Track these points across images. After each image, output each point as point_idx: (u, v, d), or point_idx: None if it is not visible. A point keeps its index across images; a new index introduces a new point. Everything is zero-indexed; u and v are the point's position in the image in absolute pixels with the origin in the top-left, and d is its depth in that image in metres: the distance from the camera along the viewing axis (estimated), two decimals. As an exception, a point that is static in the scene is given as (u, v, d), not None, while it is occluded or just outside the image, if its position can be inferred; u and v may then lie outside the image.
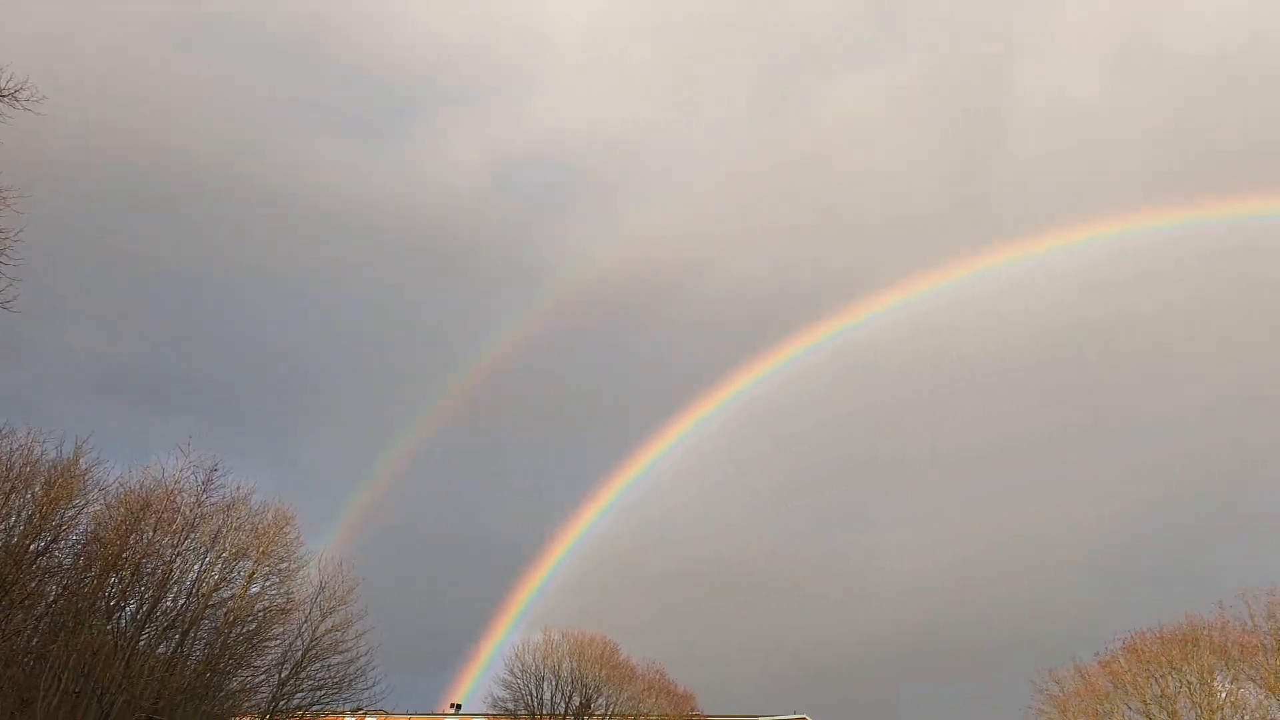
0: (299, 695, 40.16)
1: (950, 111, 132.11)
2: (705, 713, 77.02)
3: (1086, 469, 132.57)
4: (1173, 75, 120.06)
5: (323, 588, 41.82)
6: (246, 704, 38.92)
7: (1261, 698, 46.73)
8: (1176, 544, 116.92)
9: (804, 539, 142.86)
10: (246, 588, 38.04)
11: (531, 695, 72.39)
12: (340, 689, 40.88)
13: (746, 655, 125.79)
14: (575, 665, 72.49)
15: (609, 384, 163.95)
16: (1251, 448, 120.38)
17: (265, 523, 39.03)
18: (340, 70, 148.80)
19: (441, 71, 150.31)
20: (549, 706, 72.37)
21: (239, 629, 37.42)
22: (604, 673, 71.92)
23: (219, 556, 37.27)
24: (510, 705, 72.59)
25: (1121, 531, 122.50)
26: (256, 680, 39.08)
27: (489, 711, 78.88)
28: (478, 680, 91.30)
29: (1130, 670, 50.31)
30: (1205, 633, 48.79)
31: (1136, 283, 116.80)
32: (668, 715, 72.00)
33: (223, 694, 37.11)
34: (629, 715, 72.50)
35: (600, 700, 72.39)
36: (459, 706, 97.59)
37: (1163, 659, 49.06)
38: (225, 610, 37.00)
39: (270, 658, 39.52)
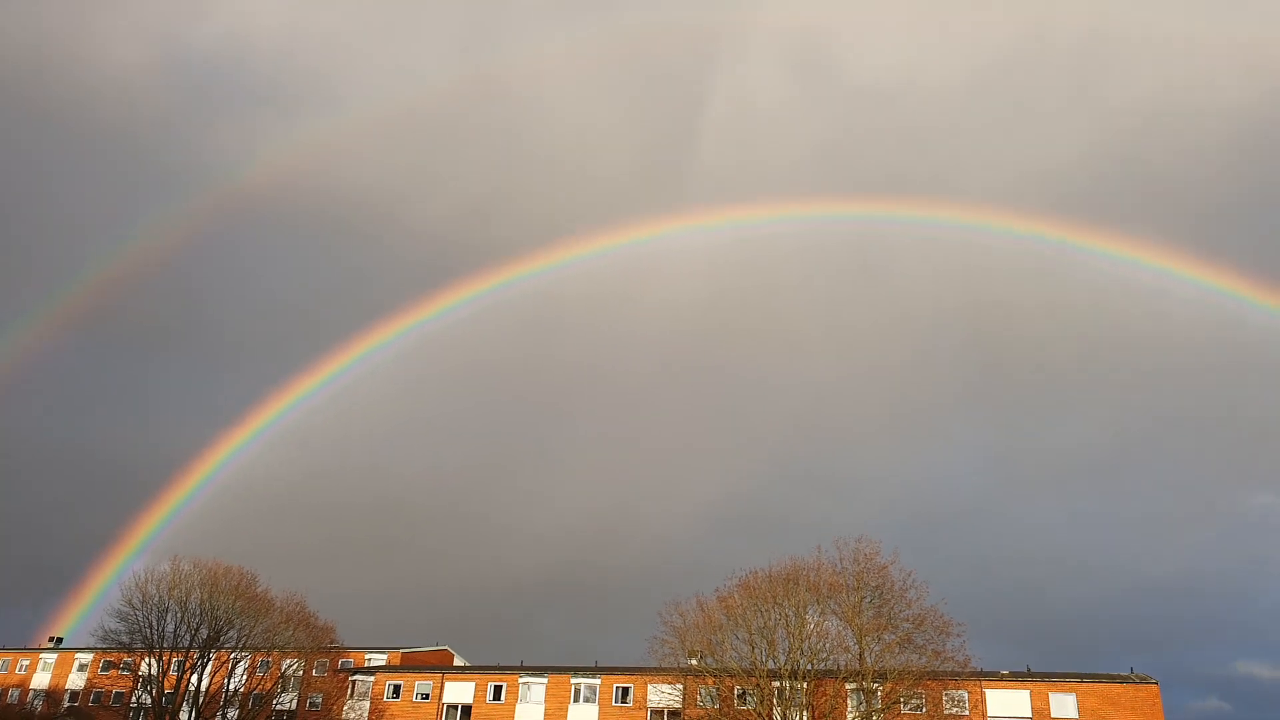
0: None
1: (655, 78, 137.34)
2: (345, 645, 75.55)
3: (712, 436, 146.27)
4: (839, 96, 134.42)
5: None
6: None
7: (840, 628, 55.07)
8: (778, 501, 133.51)
9: (463, 477, 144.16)
10: None
11: (151, 628, 66.65)
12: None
13: (394, 589, 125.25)
14: (206, 596, 67.78)
15: (271, 301, 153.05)
16: (845, 424, 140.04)
17: None
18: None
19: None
20: (171, 640, 67.08)
21: None
22: (238, 604, 67.98)
23: None
24: (125, 639, 66.29)
25: (736, 490, 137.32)
26: None
27: (99, 645, 71.40)
28: (88, 612, 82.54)
29: (742, 605, 56.62)
30: (805, 573, 56.26)
31: (779, 267, 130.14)
32: (305, 648, 69.69)
33: None
34: (263, 648, 69.17)
35: (231, 633, 68.38)
36: (59, 640, 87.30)
37: (768, 595, 55.86)
38: None
39: None
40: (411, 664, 75.25)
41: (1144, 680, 54.92)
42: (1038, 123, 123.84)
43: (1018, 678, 57.68)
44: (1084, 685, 55.47)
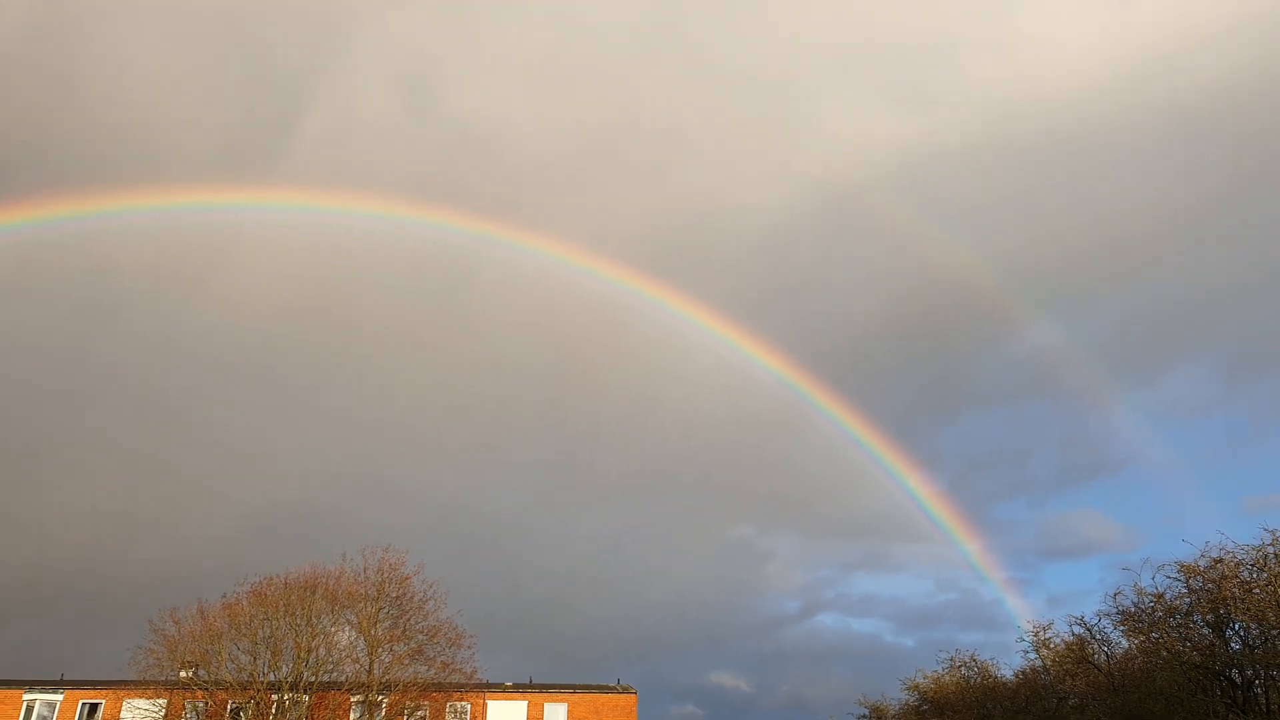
0: None
1: (252, 59, 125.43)
2: None
3: (267, 441, 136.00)
4: (440, 123, 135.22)
5: None
6: None
7: (354, 637, 53.71)
8: (331, 510, 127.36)
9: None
10: None
11: None
12: None
13: None
14: None
15: None
16: (412, 440, 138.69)
17: None
18: None
19: None
20: None
21: None
22: None
23: None
24: None
25: (286, 498, 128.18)
26: None
27: None
28: None
29: (250, 612, 52.75)
30: (324, 581, 54.05)
31: (364, 270, 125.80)
32: None
33: None
34: None
35: None
36: None
37: (281, 603, 52.79)
38: None
39: None
40: None
41: (625, 690, 60.91)
42: (619, 193, 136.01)
43: (519, 689, 60.71)
44: (575, 695, 60.00)
